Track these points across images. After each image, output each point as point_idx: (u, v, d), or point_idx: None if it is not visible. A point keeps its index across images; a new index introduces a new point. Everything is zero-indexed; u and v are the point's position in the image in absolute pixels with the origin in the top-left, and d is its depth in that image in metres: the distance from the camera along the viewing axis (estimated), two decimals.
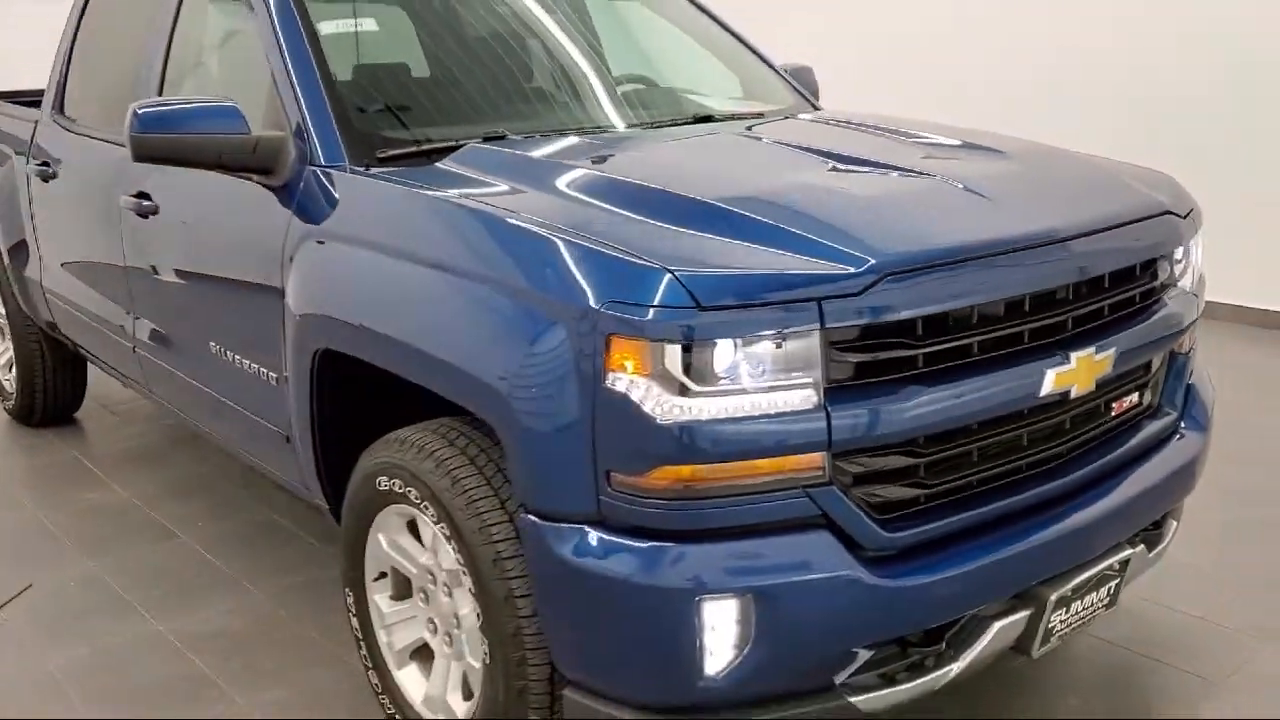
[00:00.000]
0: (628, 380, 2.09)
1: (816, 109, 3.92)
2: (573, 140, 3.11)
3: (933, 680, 2.36)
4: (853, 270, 2.16)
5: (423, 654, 2.79)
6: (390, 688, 2.82)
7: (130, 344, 3.95)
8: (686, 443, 2.09)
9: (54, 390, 5.15)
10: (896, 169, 2.75)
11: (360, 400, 2.90)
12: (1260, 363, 5.99)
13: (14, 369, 5.21)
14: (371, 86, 3.26)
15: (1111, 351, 2.50)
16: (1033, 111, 6.88)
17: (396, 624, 2.80)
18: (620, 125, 3.39)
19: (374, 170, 2.87)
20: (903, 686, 2.34)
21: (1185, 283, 2.85)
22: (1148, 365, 2.76)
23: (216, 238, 3.32)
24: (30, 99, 5.05)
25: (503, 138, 3.05)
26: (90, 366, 5.08)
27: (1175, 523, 2.94)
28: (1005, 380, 2.33)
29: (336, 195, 2.84)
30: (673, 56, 4.04)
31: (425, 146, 2.98)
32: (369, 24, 3.48)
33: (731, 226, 2.33)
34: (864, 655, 2.28)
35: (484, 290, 2.36)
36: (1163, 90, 6.64)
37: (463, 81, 3.43)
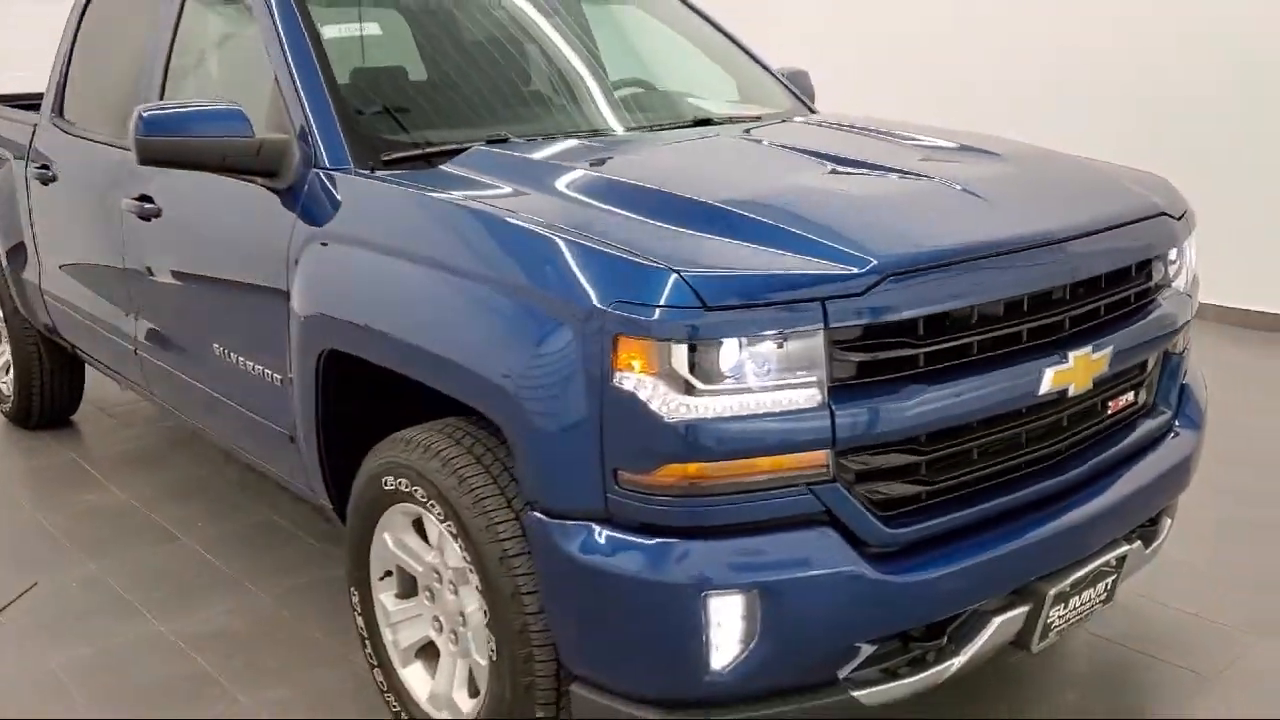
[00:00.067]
0: (635, 379, 2.12)
1: (812, 112, 3.96)
2: (575, 143, 3.14)
3: (934, 675, 2.40)
4: (855, 271, 2.20)
5: (428, 652, 2.82)
6: (395, 686, 2.84)
7: (131, 345, 3.97)
8: (693, 441, 2.12)
9: (51, 393, 5.15)
10: (895, 171, 2.79)
11: (364, 401, 2.92)
12: (1249, 363, 6.04)
13: (11, 371, 5.22)
14: (374, 90, 3.29)
15: (1108, 351, 2.54)
16: (1038, 112, 6.90)
17: (402, 622, 2.83)
18: (620, 128, 3.42)
19: (379, 173, 2.90)
20: (905, 681, 2.37)
21: (1179, 283, 2.90)
22: (1143, 364, 2.80)
23: (219, 240, 3.34)
24: (28, 102, 5.07)
25: (505, 141, 3.07)
26: (87, 369, 5.10)
27: (1170, 520, 2.99)
28: (1004, 379, 2.37)
29: (342, 198, 2.87)
30: (670, 60, 4.07)
31: (428, 149, 3.01)
32: (371, 28, 3.51)
33: (735, 228, 2.37)
34: (867, 650, 2.32)
35: (491, 291, 2.39)
36: (1167, 90, 6.65)
37: (463, 85, 3.45)
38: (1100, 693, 3.08)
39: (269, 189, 3.06)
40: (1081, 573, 2.56)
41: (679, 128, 3.47)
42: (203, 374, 3.54)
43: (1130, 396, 2.78)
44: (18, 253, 4.82)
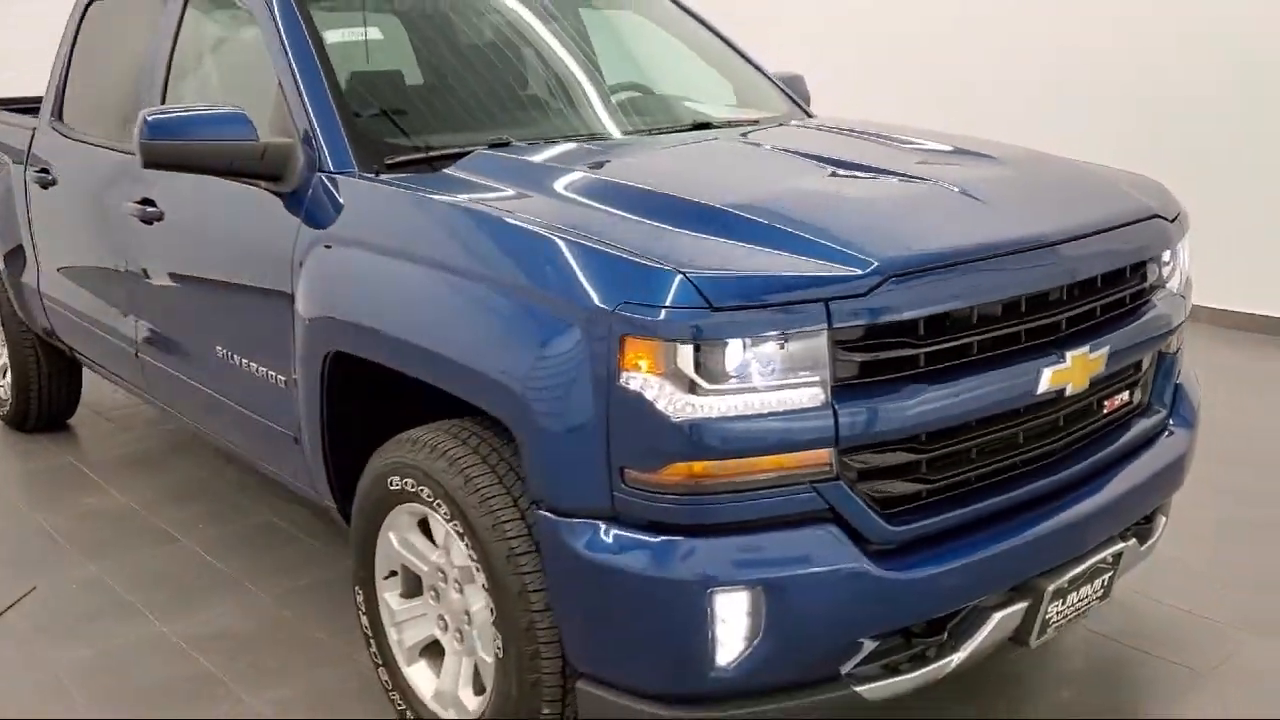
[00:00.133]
0: (641, 379, 2.16)
1: (809, 116, 3.99)
2: (576, 146, 3.18)
3: (935, 670, 2.43)
4: (858, 272, 2.24)
5: (432, 651, 2.84)
6: (400, 685, 2.87)
7: (132, 348, 3.98)
8: (699, 440, 2.15)
9: (49, 396, 5.16)
10: (894, 174, 2.83)
11: (367, 402, 2.95)
12: (1240, 365, 6.09)
13: (8, 375, 5.23)
14: (376, 94, 3.31)
15: (1104, 350, 2.59)
16: (1038, 112, 6.95)
17: (406, 621, 2.85)
18: (621, 132, 3.46)
19: (383, 176, 2.92)
20: (906, 676, 2.41)
21: (1173, 284, 2.94)
22: (1138, 364, 2.85)
23: (222, 243, 3.37)
24: (25, 106, 5.09)
25: (507, 144, 3.10)
26: (85, 372, 5.12)
27: (1165, 518, 3.03)
28: (1003, 379, 2.41)
29: (347, 201, 2.89)
30: (667, 64, 4.11)
31: (431, 153, 3.04)
32: (372, 34, 3.53)
33: (738, 230, 2.40)
34: (869, 646, 2.35)
35: (499, 293, 2.42)
36: (1167, 91, 6.67)
37: (463, 90, 3.48)
38: (1096, 688, 3.12)
39: (272, 192, 3.08)
40: (1079, 569, 2.60)
41: (678, 131, 3.50)
42: (205, 376, 3.57)
43: (1125, 396, 2.83)
44: (16, 256, 4.84)
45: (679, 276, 2.16)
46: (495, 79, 3.55)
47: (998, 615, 2.47)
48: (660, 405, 2.15)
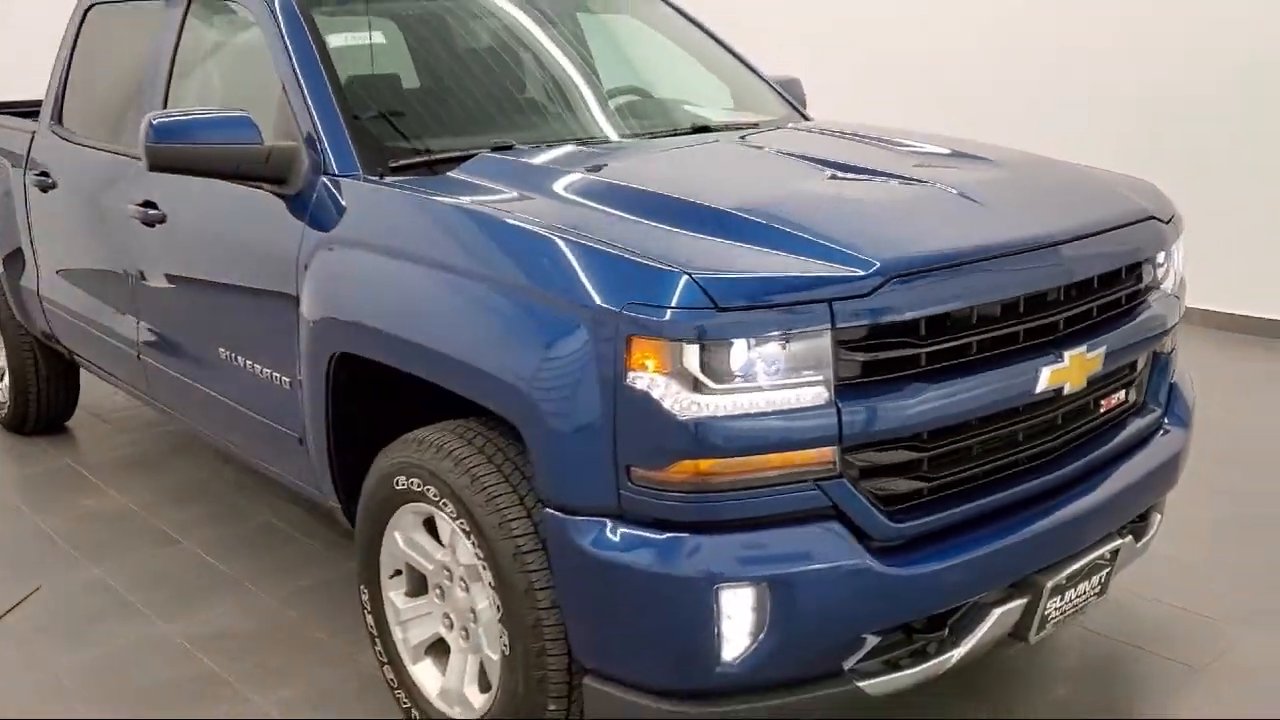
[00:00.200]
0: (648, 379, 2.19)
1: (806, 119, 4.03)
2: (578, 150, 3.21)
3: (936, 665, 2.47)
4: (860, 273, 2.27)
5: (437, 649, 2.87)
6: (406, 683, 2.89)
7: (134, 350, 4.00)
8: (704, 438, 2.19)
9: (47, 399, 5.17)
10: (893, 177, 2.87)
11: (371, 403, 2.98)
12: (1228, 365, 6.14)
13: (7, 378, 5.24)
14: (378, 98, 3.34)
15: (1102, 350, 2.63)
16: (1038, 113, 6.99)
17: (412, 620, 2.88)
18: (621, 135, 3.49)
19: (387, 180, 2.95)
20: (908, 672, 2.45)
21: (1167, 285, 2.98)
22: (1133, 364, 2.89)
23: (226, 245, 3.39)
24: (23, 110, 5.10)
25: (510, 148, 3.14)
26: (83, 375, 5.12)
27: (1159, 515, 3.07)
28: (1003, 378, 2.45)
29: (352, 204, 2.92)
30: (666, 68, 4.14)
31: (435, 156, 3.07)
32: (374, 38, 3.56)
33: (742, 231, 2.44)
34: (872, 641, 2.38)
35: (506, 294, 2.46)
36: (1167, 92, 6.69)
37: (465, 94, 3.52)
38: (1092, 685, 3.16)
39: (276, 195, 3.11)
40: (1077, 566, 2.64)
41: (678, 135, 3.54)
42: (208, 377, 3.59)
43: (1121, 395, 2.87)
44: (14, 259, 4.85)
45: (685, 277, 2.19)
46: (496, 83, 3.59)
47: (997, 611, 2.50)
48: (666, 404, 2.18)
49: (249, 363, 3.31)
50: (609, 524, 2.30)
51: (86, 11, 4.49)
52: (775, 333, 2.19)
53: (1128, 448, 2.85)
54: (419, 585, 2.86)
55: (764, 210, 2.51)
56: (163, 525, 4.30)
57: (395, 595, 2.90)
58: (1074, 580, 2.65)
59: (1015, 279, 2.47)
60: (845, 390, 2.25)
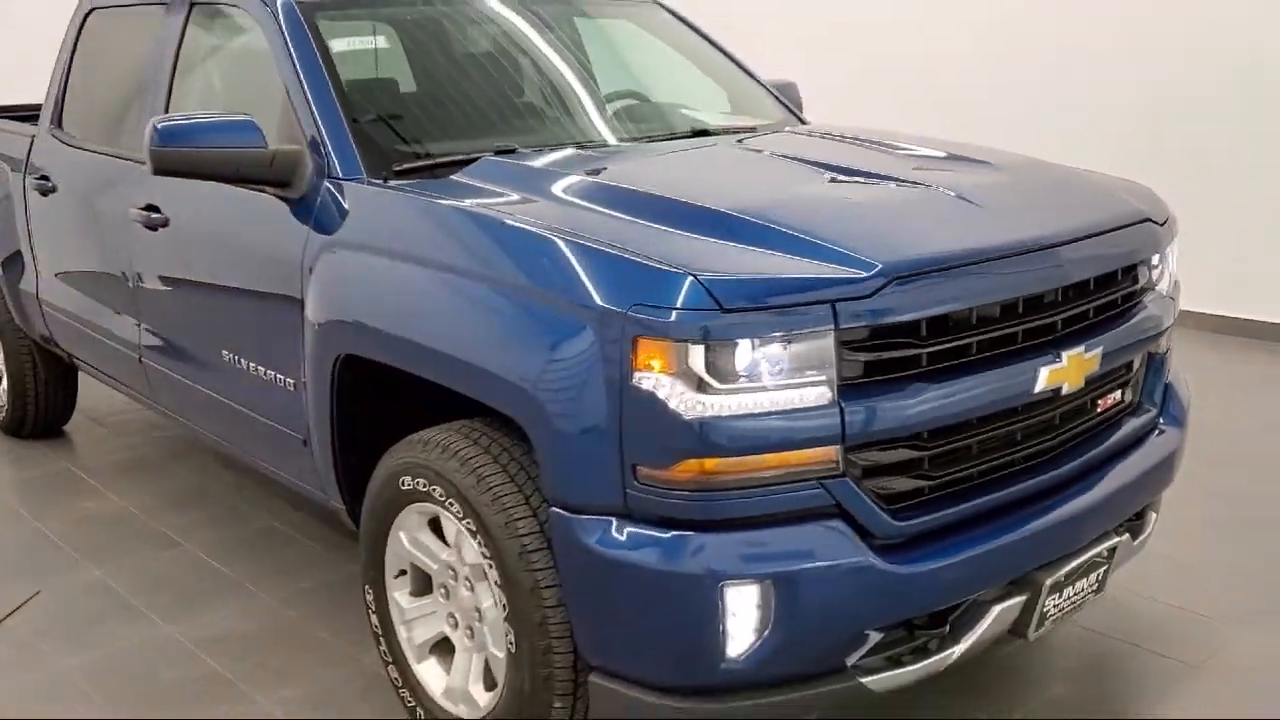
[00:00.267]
0: (654, 379, 2.22)
1: (803, 122, 4.07)
2: (580, 153, 3.25)
3: (937, 662, 2.50)
4: (863, 275, 2.30)
5: (442, 648, 2.89)
6: (410, 682, 2.91)
7: (135, 353, 4.02)
8: (710, 438, 2.21)
9: (45, 402, 5.18)
10: (892, 179, 2.91)
11: (375, 404, 3.00)
12: (1225, 368, 6.19)
13: (5, 381, 5.24)
14: (381, 102, 3.37)
15: (1099, 350, 2.66)
16: (1038, 114, 7.02)
17: (416, 619, 2.90)
18: (622, 139, 3.52)
19: (391, 183, 2.98)
20: (909, 668, 2.48)
21: (1162, 287, 3.02)
22: (1129, 365, 2.92)
23: (229, 248, 3.41)
24: (21, 114, 5.11)
25: (512, 151, 3.16)
26: (80, 378, 5.14)
27: (1155, 514, 3.10)
28: (1002, 377, 2.48)
29: (357, 207, 2.95)
30: (665, 72, 4.18)
31: (438, 160, 3.09)
32: (376, 42, 3.59)
33: (744, 233, 2.47)
34: (874, 638, 2.41)
35: (513, 296, 2.49)
36: (1167, 92, 6.71)
37: (467, 98, 3.54)
38: (1089, 682, 3.20)
39: (280, 198, 3.13)
40: (1075, 564, 2.67)
41: (677, 138, 3.57)
42: (211, 380, 3.61)
43: (1118, 395, 2.90)
44: (13, 263, 4.86)
45: (690, 279, 2.22)
46: (497, 88, 3.62)
47: (997, 608, 2.53)
48: (672, 404, 2.21)
49: (252, 365, 3.33)
50: (615, 523, 2.33)
51: (87, 15, 4.51)
52: (779, 333, 2.22)
53: (1124, 447, 2.89)
54: (423, 585, 2.88)
55: (766, 213, 2.54)
56: (163, 528, 4.31)
57: (400, 595, 2.92)
58: (1072, 578, 2.68)
59: (1014, 280, 2.51)
60: (848, 390, 2.28)
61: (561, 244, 2.44)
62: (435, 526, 2.79)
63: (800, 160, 3.13)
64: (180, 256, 3.66)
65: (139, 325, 3.96)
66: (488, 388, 2.52)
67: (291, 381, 3.15)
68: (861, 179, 2.93)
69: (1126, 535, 2.88)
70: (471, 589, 2.70)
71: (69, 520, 4.41)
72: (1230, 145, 6.52)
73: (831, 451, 2.28)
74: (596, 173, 2.96)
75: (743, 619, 2.27)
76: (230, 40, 3.80)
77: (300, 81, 3.19)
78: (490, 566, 2.56)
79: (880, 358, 2.33)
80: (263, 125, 3.12)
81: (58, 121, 4.55)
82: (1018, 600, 2.57)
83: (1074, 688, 3.18)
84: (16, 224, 4.77)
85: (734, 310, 2.20)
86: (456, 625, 2.80)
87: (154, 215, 3.67)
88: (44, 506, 4.56)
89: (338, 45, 3.32)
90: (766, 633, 2.28)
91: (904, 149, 3.33)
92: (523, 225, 2.58)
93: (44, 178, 4.47)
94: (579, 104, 3.69)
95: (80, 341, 4.49)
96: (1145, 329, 2.87)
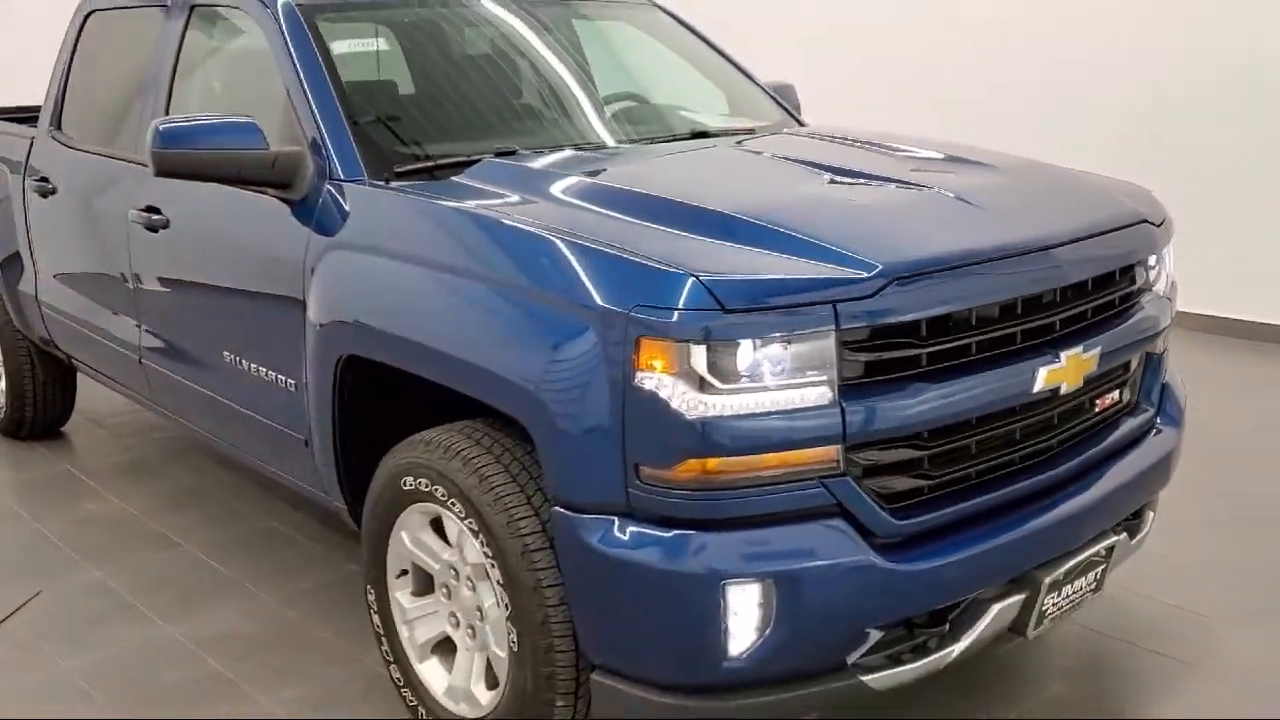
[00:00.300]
0: (656, 379, 2.23)
1: (801, 124, 4.08)
2: (581, 154, 3.27)
3: (938, 660, 2.51)
4: (864, 275, 2.32)
5: (443, 648, 2.90)
6: (412, 681, 2.92)
7: (136, 355, 4.03)
8: (712, 437, 2.23)
9: (44, 404, 5.18)
10: (891, 180, 2.92)
11: (376, 405, 3.02)
12: (1222, 370, 6.21)
13: (2, 382, 5.24)
14: (382, 104, 3.38)
15: (1097, 350, 2.68)
16: (1038, 114, 7.03)
17: (418, 619, 2.91)
18: (622, 140, 3.54)
19: (394, 184, 2.99)
20: (909, 666, 2.49)
21: (1159, 287, 3.04)
22: (1127, 365, 2.94)
23: (231, 250, 3.42)
24: (20, 116, 5.12)
25: (513, 153, 3.18)
26: (79, 380, 5.14)
27: (1152, 513, 3.12)
28: (1002, 377, 2.50)
29: (359, 208, 2.96)
30: (664, 75, 4.19)
31: (439, 161, 3.11)
32: (376, 45, 3.60)
33: (745, 234, 2.49)
34: (874, 636, 2.43)
35: (515, 297, 2.50)
36: (1167, 92, 6.71)
37: (467, 101, 3.56)
38: (1087, 680, 3.22)
39: (282, 200, 3.14)
40: (1073, 562, 2.69)
41: (677, 140, 3.59)
42: (212, 381, 3.62)
43: (1115, 395, 2.92)
44: (12, 265, 4.87)
45: (692, 279, 2.24)
46: (497, 90, 3.64)
47: (997, 606, 2.55)
48: (674, 404, 2.22)
49: (254, 366, 3.35)
50: (617, 522, 2.34)
51: (86, 17, 4.51)
52: (780, 334, 2.23)
53: (1122, 446, 2.91)
54: (425, 584, 2.89)
55: (767, 214, 2.56)
56: (162, 529, 4.32)
57: (401, 595, 2.93)
58: (1071, 576, 2.70)
59: (1013, 281, 2.53)
60: (849, 390, 2.30)
61: (564, 245, 2.46)
62: (437, 526, 2.80)
63: (800, 162, 3.15)
64: (181, 258, 3.67)
65: (139, 326, 3.97)
66: (490, 388, 2.53)
67: (293, 382, 3.17)
68: (861, 180, 2.95)
69: (1124, 534, 2.90)
70: (473, 588, 2.71)
71: (69, 521, 4.41)
72: (1230, 145, 6.53)
73: (832, 451, 2.29)
74: (598, 174, 2.98)
75: (744, 617, 2.29)
76: (231, 42, 3.81)
77: (301, 83, 3.20)
78: (492, 566, 2.57)
79: (881, 358, 2.34)
80: (263, 127, 3.13)
81: (57, 123, 4.56)
82: (1017, 599, 2.59)
83: (1072, 686, 3.20)
84: (15, 226, 4.78)
85: (736, 311, 2.21)
86: (458, 625, 2.81)
87: (155, 217, 3.68)
88: (43, 508, 4.56)
89: (338, 47, 3.34)
90: (768, 631, 2.30)
91: (902, 150, 3.35)
92: (525, 226, 2.60)
93: (43, 180, 4.48)
94: (578, 106, 3.70)
95: (80, 343, 4.50)
96: (1143, 329, 2.89)
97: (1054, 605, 2.68)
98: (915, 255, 2.41)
